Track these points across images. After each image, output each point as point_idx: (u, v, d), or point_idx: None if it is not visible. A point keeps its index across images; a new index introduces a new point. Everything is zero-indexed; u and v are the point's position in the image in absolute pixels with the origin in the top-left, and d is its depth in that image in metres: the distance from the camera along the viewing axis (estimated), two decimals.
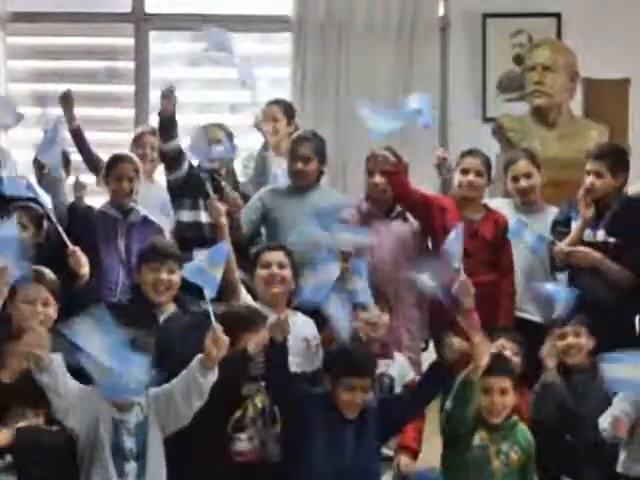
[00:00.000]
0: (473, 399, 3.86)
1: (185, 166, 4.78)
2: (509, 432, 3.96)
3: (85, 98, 6.40)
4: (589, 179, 4.68)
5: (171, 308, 4.14)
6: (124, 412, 3.61)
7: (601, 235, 4.64)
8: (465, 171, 4.78)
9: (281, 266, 4.28)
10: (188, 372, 3.58)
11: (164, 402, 3.62)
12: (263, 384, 3.82)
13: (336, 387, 3.80)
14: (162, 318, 4.07)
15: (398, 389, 4.24)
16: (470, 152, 4.84)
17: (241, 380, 3.78)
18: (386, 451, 4.11)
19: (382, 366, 4.22)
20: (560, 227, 4.76)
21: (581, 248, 4.59)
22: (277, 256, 4.30)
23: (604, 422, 3.95)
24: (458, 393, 3.86)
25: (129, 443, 3.58)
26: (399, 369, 4.29)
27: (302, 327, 4.19)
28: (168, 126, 4.70)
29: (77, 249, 4.24)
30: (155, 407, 3.63)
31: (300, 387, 3.89)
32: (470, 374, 3.83)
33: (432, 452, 4.17)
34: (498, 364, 3.96)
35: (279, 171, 5.13)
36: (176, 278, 4.13)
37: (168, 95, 4.65)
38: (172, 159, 4.78)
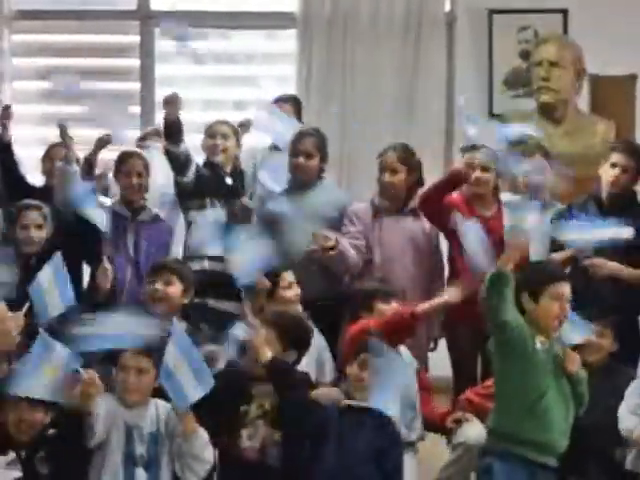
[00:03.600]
0: (509, 292, 3.63)
1: (193, 170, 4.80)
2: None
3: (90, 95, 6.42)
4: (613, 172, 4.63)
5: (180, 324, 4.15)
6: (136, 416, 3.63)
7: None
8: (470, 167, 4.68)
9: (289, 286, 4.36)
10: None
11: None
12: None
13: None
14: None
15: None
16: (473, 147, 4.70)
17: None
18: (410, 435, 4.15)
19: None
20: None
21: (599, 260, 4.52)
22: (284, 277, 4.37)
23: (625, 421, 3.93)
24: (491, 289, 3.63)
25: (140, 449, 3.60)
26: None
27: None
28: (173, 130, 4.75)
29: (109, 267, 4.40)
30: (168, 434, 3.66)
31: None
32: (500, 265, 3.64)
33: None
34: (560, 270, 3.92)
35: None
36: (173, 290, 4.19)
37: (171, 101, 4.70)
38: (179, 162, 4.80)
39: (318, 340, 4.28)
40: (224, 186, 4.85)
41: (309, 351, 4.03)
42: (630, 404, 4.04)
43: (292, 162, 4.85)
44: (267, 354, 3.75)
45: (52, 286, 3.73)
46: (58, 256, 3.82)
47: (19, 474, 3.49)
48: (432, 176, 4.86)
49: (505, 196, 4.92)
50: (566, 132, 5.76)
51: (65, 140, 4.88)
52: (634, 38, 6.05)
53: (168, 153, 4.84)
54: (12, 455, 3.52)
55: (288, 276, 4.38)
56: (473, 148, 4.73)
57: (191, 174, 4.81)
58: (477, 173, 4.69)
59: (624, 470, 4.05)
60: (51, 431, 3.59)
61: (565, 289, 3.74)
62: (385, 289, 4.38)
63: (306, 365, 4.04)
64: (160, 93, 6.42)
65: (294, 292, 4.37)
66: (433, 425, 4.25)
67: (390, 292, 4.35)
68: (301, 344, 3.94)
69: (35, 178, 5.18)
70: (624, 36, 6.03)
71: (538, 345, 3.69)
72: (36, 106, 6.48)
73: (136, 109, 6.49)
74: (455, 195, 4.72)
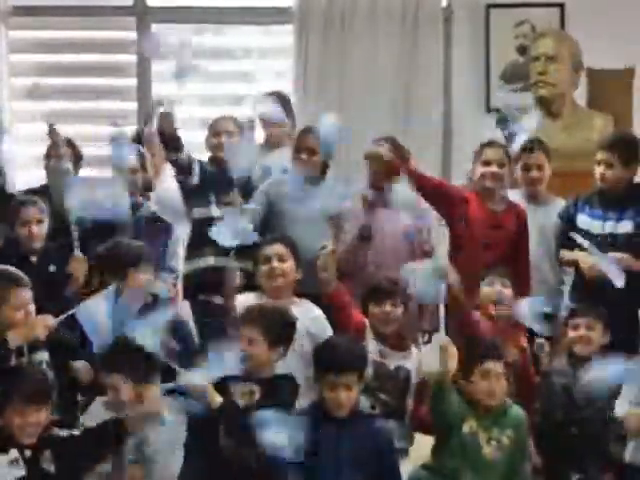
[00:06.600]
0: (450, 397, 3.86)
1: (197, 171, 4.79)
2: (500, 417, 3.93)
3: (87, 92, 6.42)
4: (599, 169, 4.67)
5: None
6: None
7: (609, 227, 4.64)
8: (487, 162, 4.70)
9: (281, 259, 4.30)
10: None
11: None
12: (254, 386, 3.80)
13: (321, 384, 3.79)
14: None
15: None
16: (490, 143, 4.77)
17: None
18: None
19: (399, 359, 4.23)
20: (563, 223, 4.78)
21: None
22: (276, 249, 4.31)
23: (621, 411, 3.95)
24: (435, 396, 3.87)
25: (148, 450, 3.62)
26: (416, 363, 4.27)
27: (307, 320, 4.20)
28: (171, 141, 4.76)
29: (81, 257, 4.34)
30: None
31: None
32: (442, 378, 3.83)
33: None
34: (493, 349, 3.98)
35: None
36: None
37: (165, 117, 4.75)
38: (183, 167, 4.82)
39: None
40: (231, 182, 4.84)
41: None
42: (629, 395, 4.03)
43: (295, 158, 4.85)
44: (217, 399, 3.67)
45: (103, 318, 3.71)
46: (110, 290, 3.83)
47: (22, 473, 3.47)
48: (430, 171, 4.87)
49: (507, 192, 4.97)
50: (564, 126, 5.76)
51: (53, 138, 4.85)
52: (631, 31, 6.06)
53: (173, 162, 4.85)
54: (13, 454, 3.48)
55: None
56: (490, 144, 4.77)
57: (196, 175, 4.82)
58: (494, 168, 4.70)
59: (623, 463, 4.04)
60: (60, 431, 3.59)
61: (494, 366, 3.89)
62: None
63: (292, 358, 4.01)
64: (157, 89, 6.46)
65: None
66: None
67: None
68: (286, 338, 3.90)
69: (34, 175, 5.19)
70: (621, 30, 6.03)
71: (465, 429, 3.87)
72: (33, 103, 6.46)
73: (133, 105, 6.47)
74: (467, 190, 4.76)
